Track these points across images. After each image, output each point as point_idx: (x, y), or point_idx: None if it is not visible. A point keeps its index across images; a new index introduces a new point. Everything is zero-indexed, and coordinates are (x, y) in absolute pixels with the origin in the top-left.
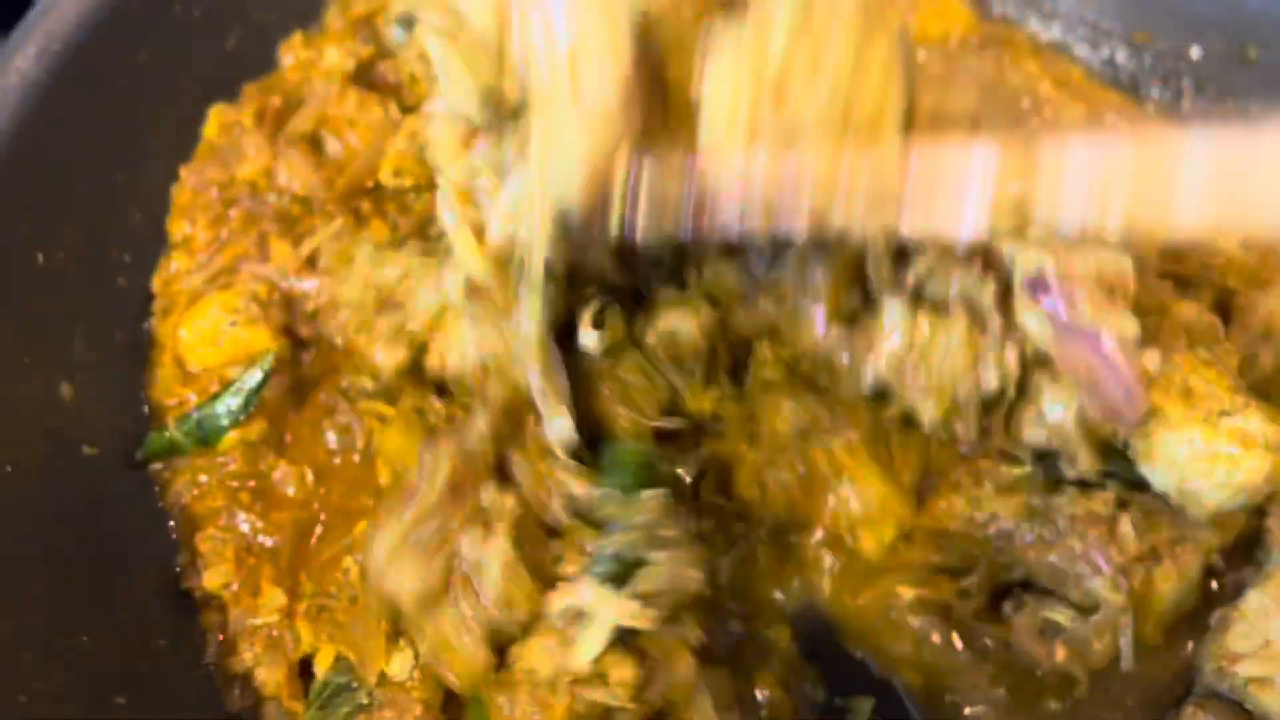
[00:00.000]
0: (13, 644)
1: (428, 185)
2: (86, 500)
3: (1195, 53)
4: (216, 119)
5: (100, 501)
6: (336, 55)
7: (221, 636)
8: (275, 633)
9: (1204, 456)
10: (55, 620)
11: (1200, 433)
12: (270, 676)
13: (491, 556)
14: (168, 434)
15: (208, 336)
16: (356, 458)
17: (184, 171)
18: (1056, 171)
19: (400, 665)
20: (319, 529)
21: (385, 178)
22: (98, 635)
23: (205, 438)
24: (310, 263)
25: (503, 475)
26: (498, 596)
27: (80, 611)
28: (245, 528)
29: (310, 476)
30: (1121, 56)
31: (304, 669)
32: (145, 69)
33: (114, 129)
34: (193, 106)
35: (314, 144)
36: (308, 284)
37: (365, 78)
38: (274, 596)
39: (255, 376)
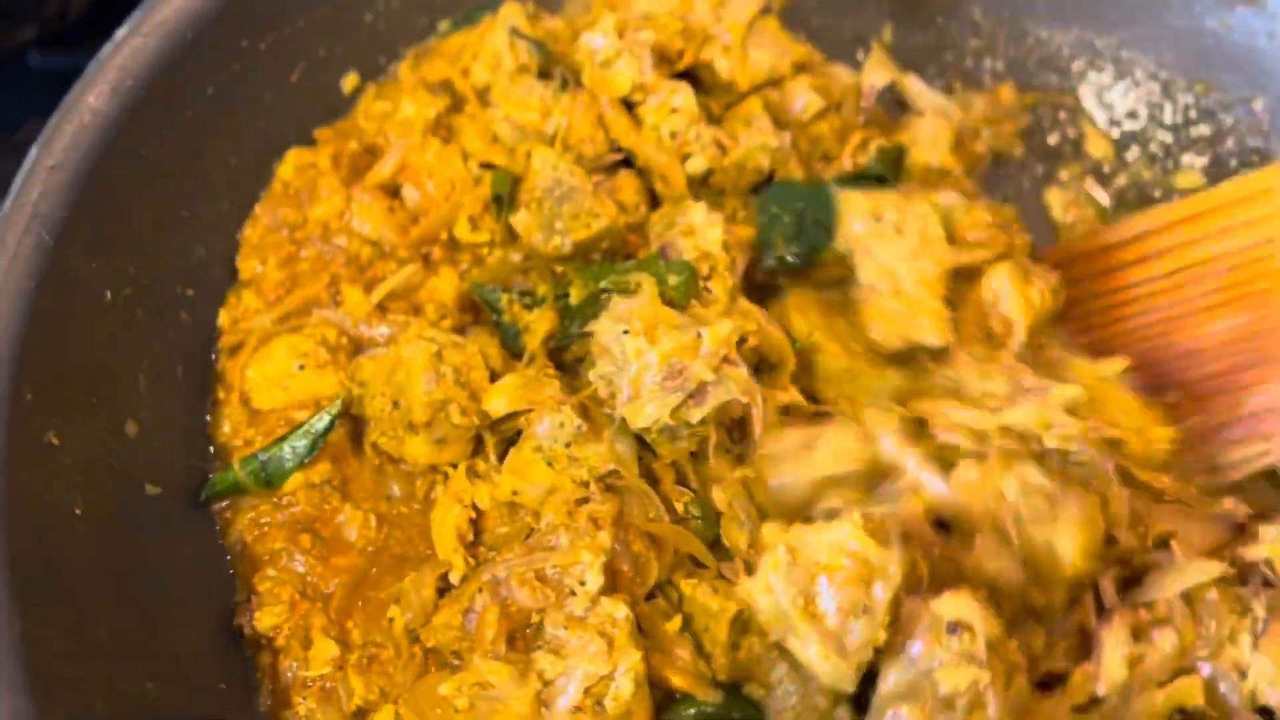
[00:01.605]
0: (85, 693)
1: (502, 242)
2: (151, 541)
3: (1259, 105)
4: (293, 161)
5: (165, 542)
6: (413, 107)
7: (272, 686)
8: (329, 685)
9: None
10: (123, 666)
11: None
12: None
13: (624, 673)
14: (232, 474)
15: (275, 378)
16: (417, 505)
17: (259, 209)
18: None
19: None
20: (372, 573)
21: (461, 231)
22: (162, 681)
23: (269, 479)
24: (381, 309)
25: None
26: (621, 712)
27: (146, 657)
28: (302, 569)
29: (374, 521)
30: (1182, 106)
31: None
32: (211, 102)
33: (180, 163)
34: (255, 139)
35: (390, 191)
36: (377, 331)
37: (441, 131)
38: (326, 648)
39: (323, 420)
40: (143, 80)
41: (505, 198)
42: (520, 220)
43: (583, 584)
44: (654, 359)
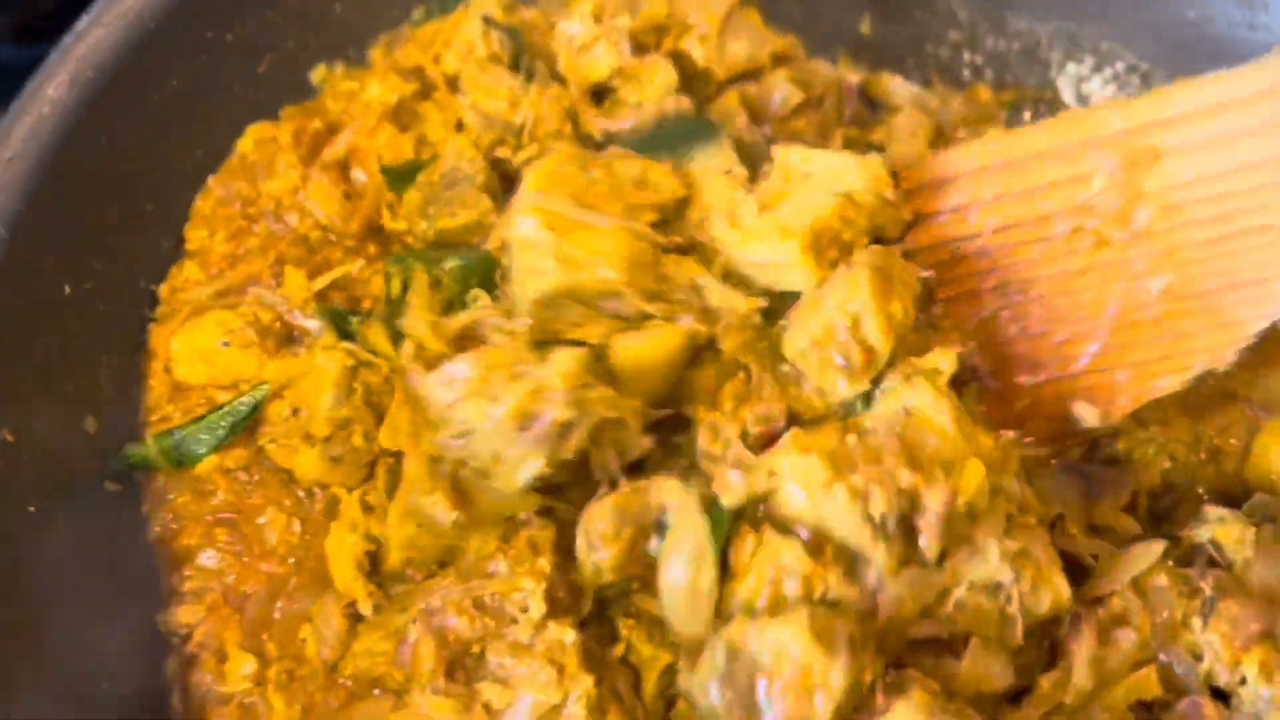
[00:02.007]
0: (37, 694)
1: (423, 234)
2: (111, 540)
3: None
4: (253, 134)
5: (126, 540)
6: (379, 89)
7: (183, 698)
8: (247, 701)
9: None
10: (77, 667)
11: None
12: None
13: (576, 700)
14: (145, 449)
15: (200, 352)
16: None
17: (212, 181)
18: None
19: None
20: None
21: (385, 218)
22: (119, 682)
23: (181, 459)
24: (320, 298)
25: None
26: None
27: (101, 657)
28: (218, 564)
29: (297, 527)
30: None
31: None
32: (177, 94)
33: (144, 155)
34: (223, 131)
35: (343, 173)
36: (311, 322)
37: (404, 117)
38: (241, 661)
39: (247, 404)
40: (104, 71)
41: (395, 177)
42: (408, 197)
43: (524, 611)
44: (502, 416)
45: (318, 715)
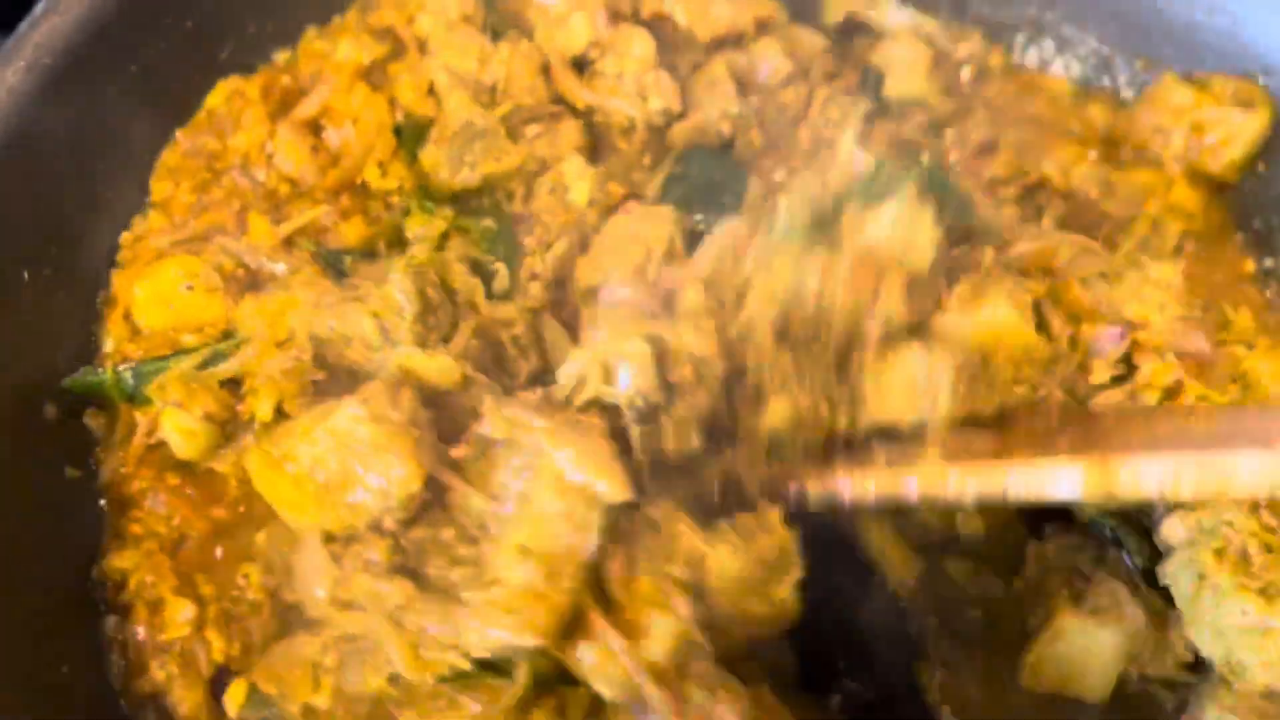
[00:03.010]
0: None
1: (413, 191)
2: (70, 526)
3: None
4: (223, 89)
5: (83, 526)
6: (351, 49)
7: (123, 654)
8: (187, 647)
9: (1256, 631)
10: (39, 653)
11: (1254, 605)
12: (186, 697)
13: None
14: (99, 376)
15: (161, 296)
16: None
17: (180, 134)
18: (1133, 480)
19: (325, 696)
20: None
21: (371, 176)
22: (76, 666)
23: (133, 394)
24: (287, 244)
25: None
26: None
27: (62, 644)
28: (164, 510)
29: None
30: (1123, 81)
31: (216, 684)
32: (135, 81)
33: (103, 142)
34: (183, 118)
35: (315, 131)
36: (278, 267)
37: (376, 76)
38: (180, 609)
39: (213, 350)
40: (61, 58)
41: (410, 136)
42: (428, 155)
43: None
44: None
45: (257, 649)
